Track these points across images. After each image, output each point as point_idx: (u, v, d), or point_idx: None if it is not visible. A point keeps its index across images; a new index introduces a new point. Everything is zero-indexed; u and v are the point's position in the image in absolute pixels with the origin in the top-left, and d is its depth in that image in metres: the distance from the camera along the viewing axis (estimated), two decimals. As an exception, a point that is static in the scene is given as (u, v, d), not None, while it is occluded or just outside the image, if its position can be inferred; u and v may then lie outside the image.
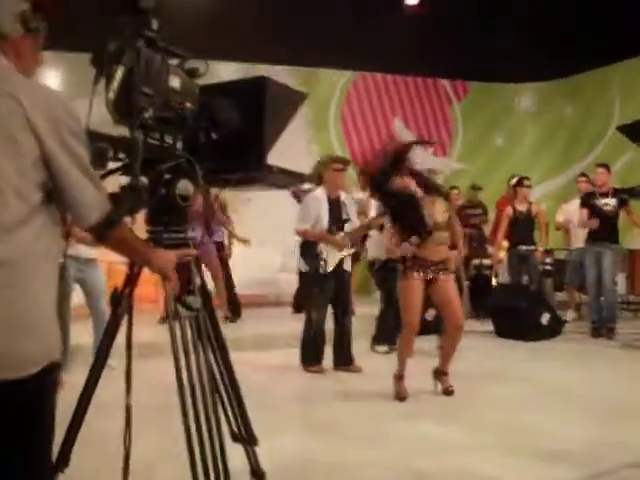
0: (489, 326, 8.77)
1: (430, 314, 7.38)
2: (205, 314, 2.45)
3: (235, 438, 2.72)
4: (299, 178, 2.75)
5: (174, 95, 2.35)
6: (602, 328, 8.35)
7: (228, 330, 7.71)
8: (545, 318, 8.38)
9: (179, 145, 2.52)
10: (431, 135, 13.26)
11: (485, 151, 13.48)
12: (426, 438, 4.38)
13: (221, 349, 2.56)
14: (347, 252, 6.28)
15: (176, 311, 2.35)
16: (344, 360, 6.46)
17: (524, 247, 9.19)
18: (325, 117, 12.57)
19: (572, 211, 9.41)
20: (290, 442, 4.27)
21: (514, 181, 9.70)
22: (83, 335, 6.09)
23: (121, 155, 2.30)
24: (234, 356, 2.62)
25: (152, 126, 2.33)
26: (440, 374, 5.61)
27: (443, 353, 5.64)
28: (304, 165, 10.93)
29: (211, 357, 2.51)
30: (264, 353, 7.40)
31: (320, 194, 6.28)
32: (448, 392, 5.53)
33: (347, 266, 6.38)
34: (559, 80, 13.23)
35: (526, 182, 9.37)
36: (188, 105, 2.41)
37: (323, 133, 12.47)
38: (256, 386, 5.85)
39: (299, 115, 9.83)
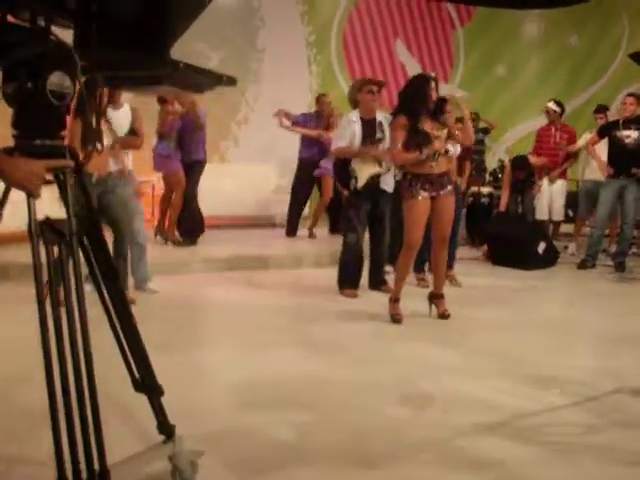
0: (485, 253, 8.36)
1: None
2: (84, 239, 1.90)
3: (137, 387, 2.22)
4: (216, 79, 2.15)
5: (42, -37, 1.75)
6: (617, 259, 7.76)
7: (219, 251, 7.46)
8: (541, 247, 7.93)
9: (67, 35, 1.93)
10: (432, 59, 12.51)
11: (486, 79, 12.62)
12: (421, 361, 4.22)
13: (112, 282, 2.03)
14: (378, 169, 5.85)
15: (42, 235, 1.80)
16: (377, 281, 6.30)
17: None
18: (327, 38, 11.72)
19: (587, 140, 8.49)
20: (288, 358, 4.17)
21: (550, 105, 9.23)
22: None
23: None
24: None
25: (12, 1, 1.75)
26: (435, 297, 5.31)
27: (434, 273, 5.39)
28: (304, 85, 10.22)
29: (102, 291, 1.99)
30: (263, 273, 7.00)
31: (353, 115, 6.00)
32: (444, 316, 5.24)
33: (387, 186, 5.99)
34: (566, 8, 12.35)
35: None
36: (66, -21, 1.82)
37: (324, 54, 11.68)
38: (257, 306, 5.60)
39: (299, 35, 9.06)
